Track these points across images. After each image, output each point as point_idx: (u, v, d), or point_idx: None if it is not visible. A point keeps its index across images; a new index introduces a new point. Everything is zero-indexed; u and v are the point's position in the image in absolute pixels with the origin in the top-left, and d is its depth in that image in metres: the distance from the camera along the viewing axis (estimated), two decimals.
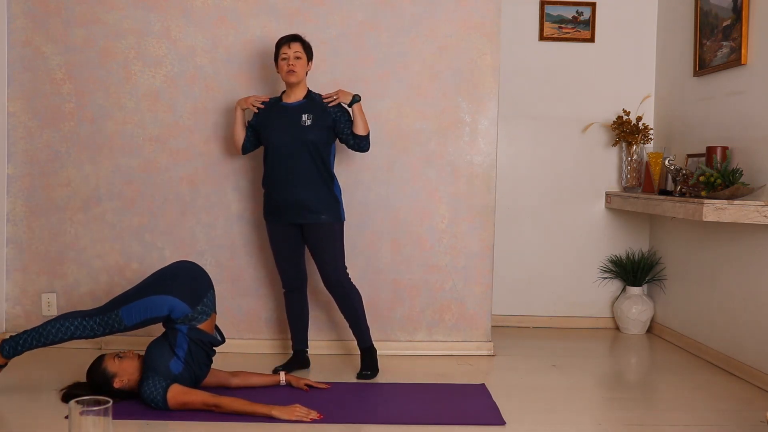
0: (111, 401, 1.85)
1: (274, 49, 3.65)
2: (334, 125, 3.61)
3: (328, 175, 3.64)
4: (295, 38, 3.60)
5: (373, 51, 4.10)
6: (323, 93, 3.70)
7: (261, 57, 4.05)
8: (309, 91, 3.68)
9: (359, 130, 3.61)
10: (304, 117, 3.58)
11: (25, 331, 3.19)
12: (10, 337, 3.21)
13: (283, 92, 3.72)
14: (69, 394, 3.04)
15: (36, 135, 4.09)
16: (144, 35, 4.07)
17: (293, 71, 3.57)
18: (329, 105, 3.59)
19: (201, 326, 3.19)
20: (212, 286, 3.32)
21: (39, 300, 4.11)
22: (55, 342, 3.17)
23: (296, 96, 3.65)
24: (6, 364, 3.24)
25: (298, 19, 4.06)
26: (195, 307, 3.17)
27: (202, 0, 4.07)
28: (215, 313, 3.30)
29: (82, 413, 1.81)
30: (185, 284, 3.21)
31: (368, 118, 3.73)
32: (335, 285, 3.67)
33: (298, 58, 3.57)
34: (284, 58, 3.58)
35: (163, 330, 3.24)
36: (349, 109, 3.63)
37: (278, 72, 3.66)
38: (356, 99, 3.59)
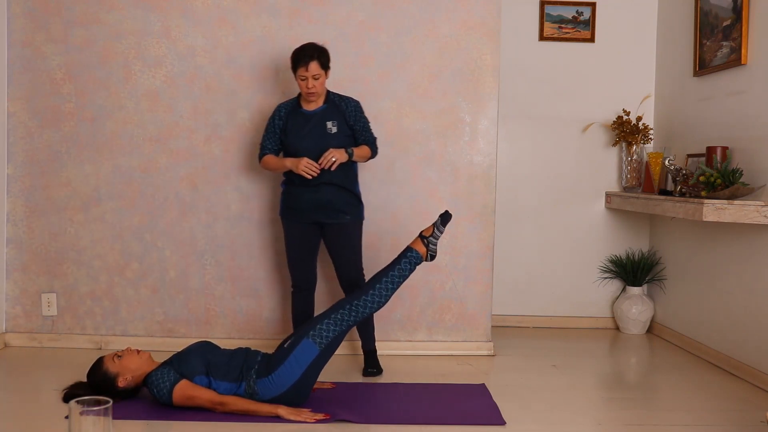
0: (111, 401, 1.85)
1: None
2: (353, 131, 3.64)
3: (352, 176, 3.66)
4: (312, 57, 3.45)
5: (373, 51, 4.10)
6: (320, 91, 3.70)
7: (261, 57, 4.05)
8: (328, 94, 3.63)
9: (362, 162, 3.70)
10: (329, 124, 3.56)
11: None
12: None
13: (299, 95, 3.65)
14: (69, 394, 3.01)
15: (36, 135, 4.09)
16: (144, 35, 4.07)
17: (313, 93, 3.51)
18: (331, 169, 3.50)
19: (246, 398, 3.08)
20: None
21: (39, 300, 4.11)
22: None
23: (317, 102, 3.60)
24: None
25: (298, 19, 4.06)
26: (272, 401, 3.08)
27: (202, 0, 4.07)
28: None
29: (82, 413, 1.81)
30: (303, 395, 3.11)
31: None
32: (353, 284, 3.66)
33: (316, 78, 3.48)
34: (303, 79, 3.49)
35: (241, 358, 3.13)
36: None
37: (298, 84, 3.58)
38: (350, 154, 3.55)
